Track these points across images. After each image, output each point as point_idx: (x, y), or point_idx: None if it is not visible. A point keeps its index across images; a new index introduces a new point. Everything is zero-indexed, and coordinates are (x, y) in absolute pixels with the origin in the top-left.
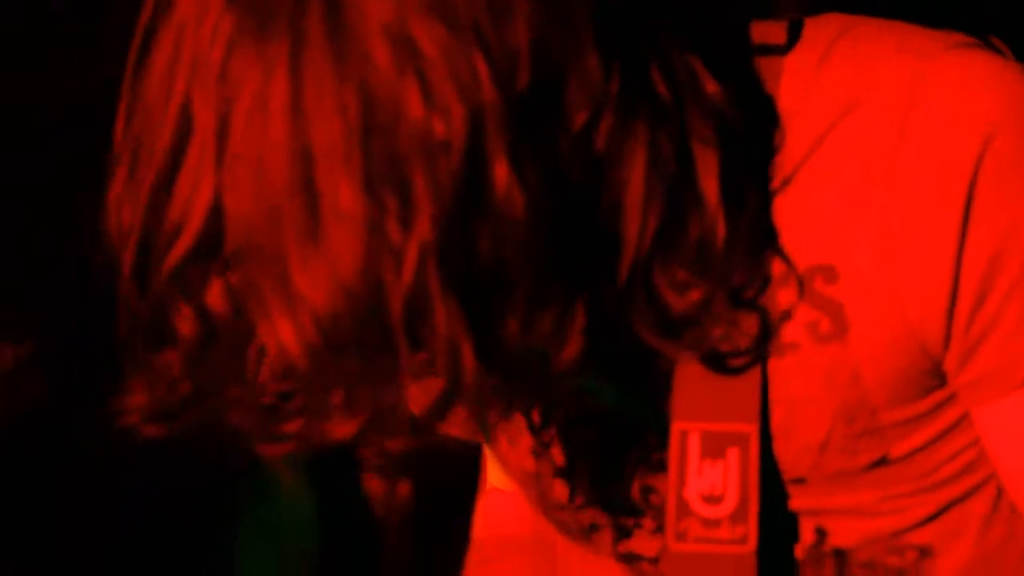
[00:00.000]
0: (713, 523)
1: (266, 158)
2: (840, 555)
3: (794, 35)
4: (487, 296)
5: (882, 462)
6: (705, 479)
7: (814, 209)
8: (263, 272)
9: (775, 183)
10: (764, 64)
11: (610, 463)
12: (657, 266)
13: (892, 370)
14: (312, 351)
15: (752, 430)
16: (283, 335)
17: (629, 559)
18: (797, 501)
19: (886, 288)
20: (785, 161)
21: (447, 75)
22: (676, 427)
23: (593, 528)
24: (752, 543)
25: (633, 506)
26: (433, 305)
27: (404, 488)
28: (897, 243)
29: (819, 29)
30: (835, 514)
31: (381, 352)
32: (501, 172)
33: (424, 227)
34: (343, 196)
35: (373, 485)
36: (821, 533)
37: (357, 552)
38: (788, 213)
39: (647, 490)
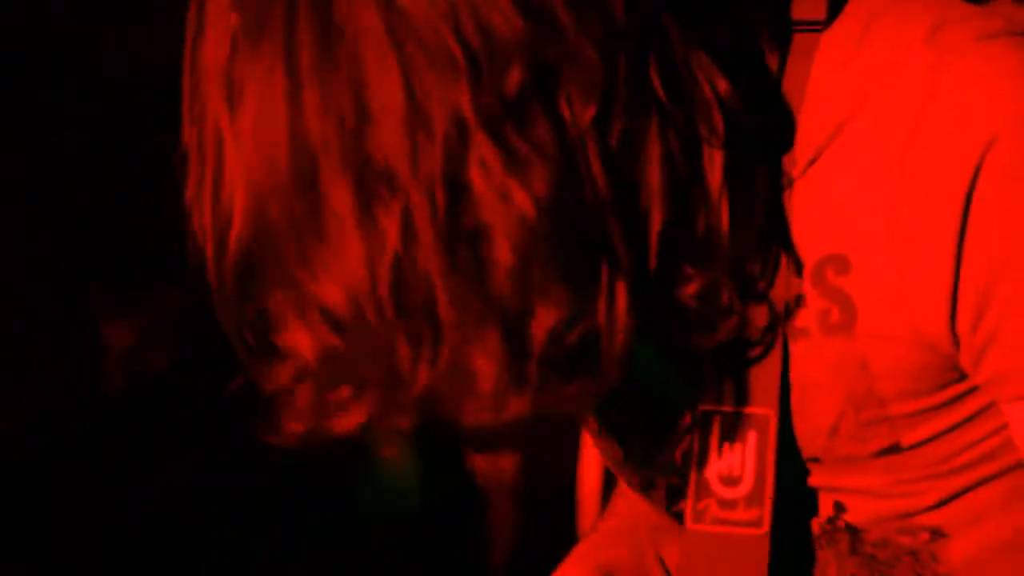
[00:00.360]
0: (729, 504)
1: (274, 155)
2: (854, 531)
3: (834, 11)
4: (512, 294)
5: (893, 449)
6: (724, 460)
7: (833, 193)
8: (277, 275)
9: (799, 167)
10: (800, 40)
11: (656, 429)
12: (667, 261)
13: (900, 365)
14: (326, 351)
15: (771, 413)
16: (298, 336)
17: (680, 518)
18: (813, 478)
19: (894, 286)
20: (811, 142)
21: (429, 71)
22: (700, 409)
23: (651, 485)
24: (765, 526)
25: (678, 471)
26: (442, 307)
27: (507, 461)
28: (903, 241)
29: (861, 5)
30: (849, 492)
31: (398, 352)
32: (494, 166)
33: (425, 228)
34: (340, 195)
35: (476, 459)
36: (839, 507)
37: (462, 525)
38: (809, 196)
39: (688, 457)
